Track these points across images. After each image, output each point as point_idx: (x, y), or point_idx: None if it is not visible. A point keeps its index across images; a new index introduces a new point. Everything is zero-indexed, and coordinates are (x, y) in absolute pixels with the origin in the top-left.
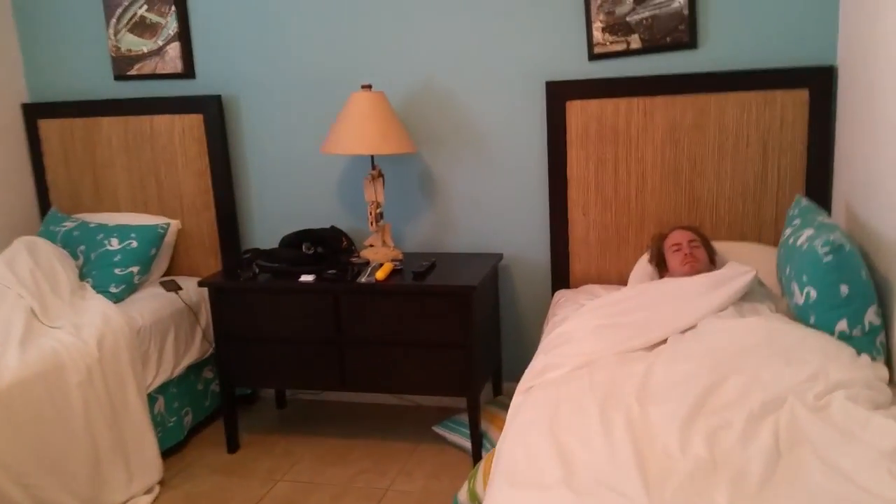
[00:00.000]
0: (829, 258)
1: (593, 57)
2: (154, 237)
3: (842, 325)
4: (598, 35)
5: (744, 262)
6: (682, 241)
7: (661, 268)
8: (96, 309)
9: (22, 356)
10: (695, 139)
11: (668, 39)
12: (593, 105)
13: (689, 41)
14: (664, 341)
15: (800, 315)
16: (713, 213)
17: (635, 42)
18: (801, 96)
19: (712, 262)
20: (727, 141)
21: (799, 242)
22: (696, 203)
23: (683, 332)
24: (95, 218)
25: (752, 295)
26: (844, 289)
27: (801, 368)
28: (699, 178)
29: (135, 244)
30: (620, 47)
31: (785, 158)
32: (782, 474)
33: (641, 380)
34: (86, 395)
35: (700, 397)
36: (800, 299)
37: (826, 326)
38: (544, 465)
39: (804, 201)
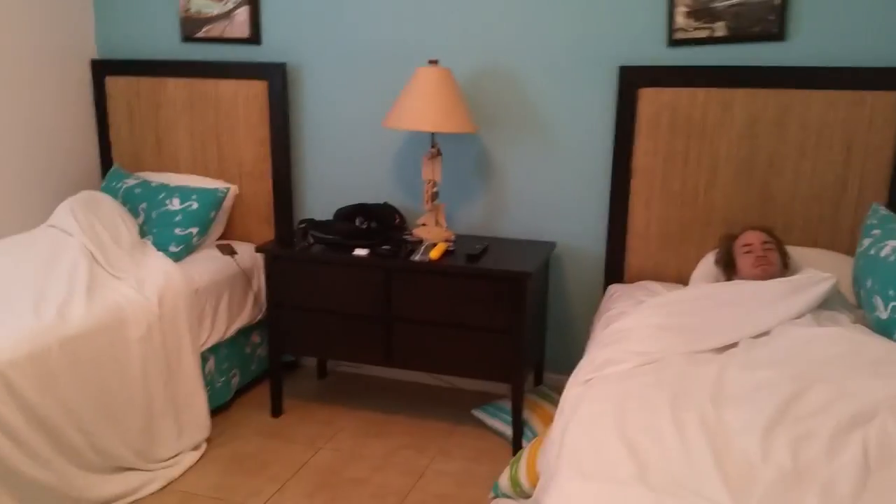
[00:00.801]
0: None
1: (673, 43)
2: (214, 200)
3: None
4: (680, 20)
5: (816, 270)
6: (754, 241)
7: (729, 270)
8: (158, 266)
9: (88, 306)
10: (774, 136)
11: (755, 29)
12: (668, 94)
13: (777, 32)
14: (734, 345)
15: (882, 330)
16: (786, 215)
17: (720, 30)
18: (893, 98)
19: (785, 267)
20: (809, 140)
21: (883, 254)
22: (769, 203)
23: (756, 337)
24: (156, 177)
25: (829, 303)
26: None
27: (890, 382)
28: (775, 177)
29: (195, 206)
30: (704, 34)
31: (870, 163)
32: (874, 491)
33: (714, 382)
34: (144, 350)
35: (782, 404)
36: (883, 313)
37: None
38: (615, 460)
39: (882, 210)
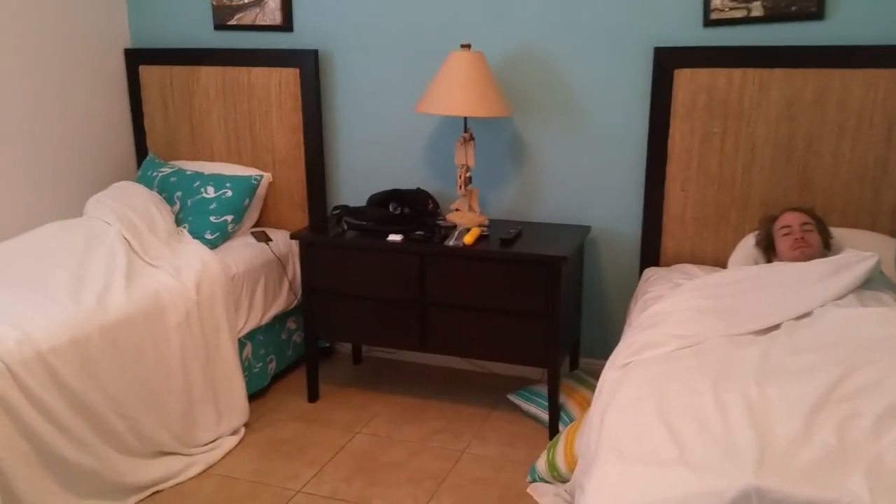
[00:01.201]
0: None
1: (709, 23)
2: (248, 188)
3: None
4: (716, 0)
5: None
6: (793, 223)
7: (769, 252)
8: (194, 253)
9: (127, 293)
10: (813, 117)
11: (793, 9)
12: (704, 74)
13: (815, 11)
14: (775, 327)
15: None
16: (826, 196)
17: (757, 9)
18: None
19: (827, 248)
20: (849, 121)
21: None
22: (808, 184)
23: (798, 318)
24: (191, 166)
25: (872, 283)
26: None
27: None
28: (814, 158)
29: (230, 193)
30: (740, 14)
31: None
32: None
33: (758, 364)
34: (183, 337)
35: (828, 386)
36: None
37: None
38: (656, 442)
39: None
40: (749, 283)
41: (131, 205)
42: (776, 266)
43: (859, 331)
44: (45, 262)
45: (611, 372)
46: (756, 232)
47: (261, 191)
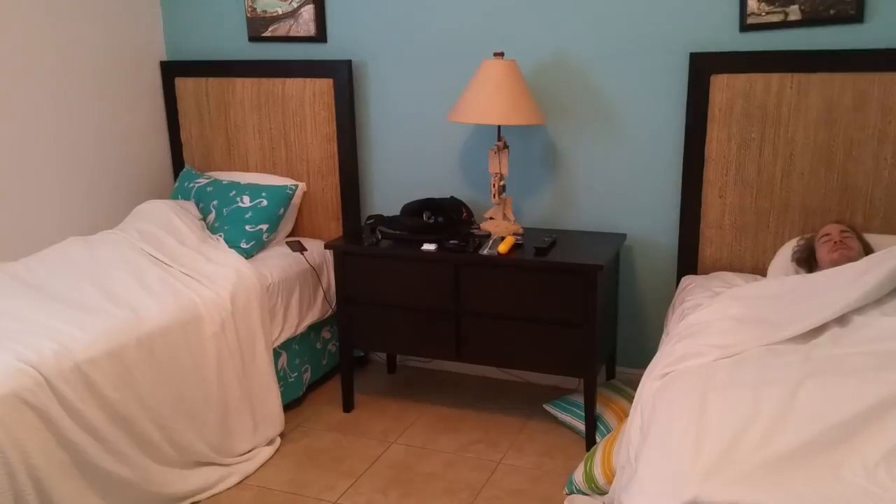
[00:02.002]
0: None
1: (745, 28)
2: (283, 197)
3: None
4: (752, 4)
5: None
6: (832, 231)
7: (810, 264)
8: (230, 263)
9: (162, 304)
10: (853, 121)
11: (831, 12)
12: (741, 80)
13: (854, 14)
14: (817, 334)
15: None
16: (867, 202)
17: (794, 13)
18: None
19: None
20: (890, 125)
21: None
22: (849, 190)
23: (842, 326)
24: (227, 176)
25: None
26: None
27: None
28: (854, 163)
29: (265, 203)
30: (777, 18)
31: None
32: None
33: (799, 370)
34: (219, 347)
35: (871, 398)
36: None
37: None
38: (695, 454)
39: None
40: (788, 290)
41: (154, 220)
42: (815, 274)
43: None
44: (72, 276)
45: (649, 383)
46: (798, 238)
47: (295, 200)
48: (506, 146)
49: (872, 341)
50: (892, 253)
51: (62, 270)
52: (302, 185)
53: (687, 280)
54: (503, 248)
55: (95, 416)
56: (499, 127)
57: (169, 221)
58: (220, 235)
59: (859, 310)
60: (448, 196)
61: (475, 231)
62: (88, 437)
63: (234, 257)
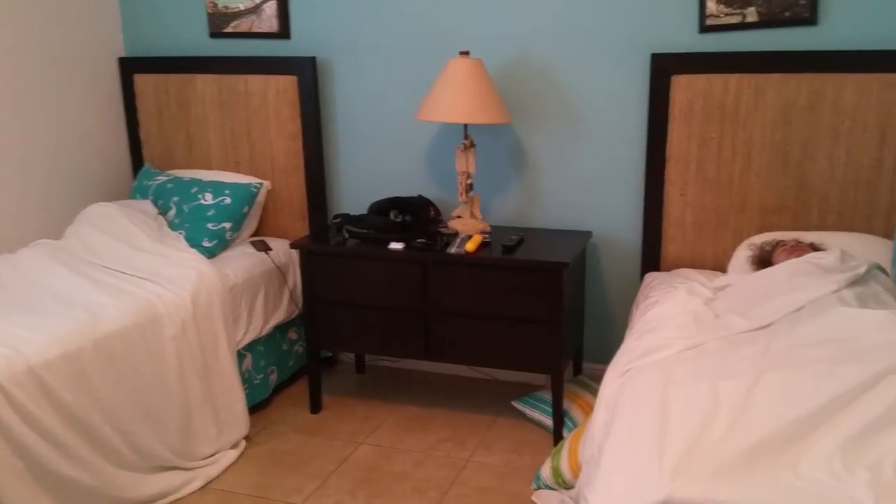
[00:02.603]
0: None
1: (704, 29)
2: (247, 195)
3: None
4: (711, 6)
5: (854, 254)
6: (787, 239)
7: (765, 265)
8: (190, 263)
9: (119, 306)
10: (808, 121)
11: (786, 14)
12: (701, 80)
13: (809, 17)
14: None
15: None
16: (822, 199)
17: (752, 15)
18: None
19: None
20: (843, 124)
21: None
22: (805, 187)
23: (798, 310)
24: (188, 175)
25: (873, 282)
26: None
27: None
28: (809, 161)
29: (228, 200)
30: (735, 20)
31: None
32: None
33: (759, 359)
34: (180, 349)
35: (829, 389)
36: None
37: None
38: (660, 451)
39: None
40: (745, 283)
41: (103, 227)
42: (770, 268)
43: (858, 331)
44: (25, 283)
45: (612, 378)
46: (749, 245)
47: (260, 199)
48: (472, 145)
49: (828, 330)
50: (853, 258)
51: (13, 279)
52: (267, 184)
53: (650, 277)
54: (471, 246)
55: (51, 420)
56: (465, 126)
57: (120, 226)
58: (181, 233)
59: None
60: (415, 194)
61: (443, 230)
62: (44, 443)
63: (194, 257)
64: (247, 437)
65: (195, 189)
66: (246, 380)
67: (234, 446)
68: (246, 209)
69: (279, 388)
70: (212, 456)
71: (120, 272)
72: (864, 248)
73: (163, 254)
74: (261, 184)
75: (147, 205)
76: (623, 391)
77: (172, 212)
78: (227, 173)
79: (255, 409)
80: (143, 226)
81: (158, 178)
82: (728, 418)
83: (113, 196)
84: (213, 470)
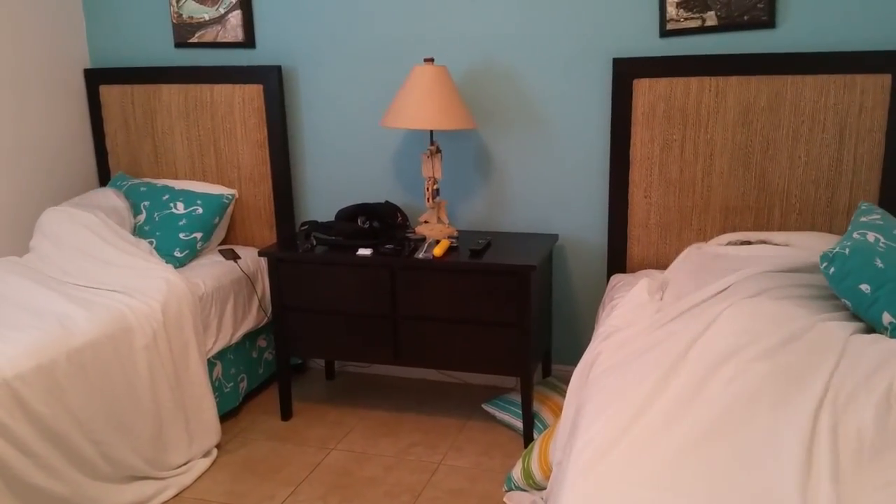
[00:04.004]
0: (831, 270)
1: (665, 34)
2: (219, 206)
3: (887, 318)
4: (671, 10)
5: (815, 252)
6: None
7: None
8: (160, 274)
9: (90, 317)
10: (768, 122)
11: (745, 18)
12: (662, 84)
13: (767, 20)
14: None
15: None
16: (783, 199)
17: (711, 19)
18: (883, 81)
19: None
20: (802, 125)
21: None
22: (766, 188)
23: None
24: (160, 182)
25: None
26: (866, 287)
27: None
28: (770, 162)
29: (200, 211)
30: (695, 24)
31: (862, 146)
32: None
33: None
34: (151, 359)
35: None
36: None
37: (877, 325)
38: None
39: (864, 206)
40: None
41: (65, 243)
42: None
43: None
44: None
45: (577, 381)
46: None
47: (230, 208)
48: (438, 150)
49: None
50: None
51: None
52: (234, 193)
53: (616, 278)
54: (438, 251)
55: (25, 432)
56: (431, 132)
57: (81, 239)
58: (152, 241)
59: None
60: (383, 201)
61: (410, 235)
62: (17, 453)
63: (163, 268)
64: (218, 446)
65: (167, 196)
66: (217, 388)
67: (207, 455)
68: (217, 220)
69: (250, 396)
70: (184, 465)
71: (90, 287)
72: (826, 248)
73: (131, 265)
74: (232, 195)
75: (108, 195)
76: (587, 392)
77: (142, 217)
78: (195, 182)
79: (226, 417)
80: (102, 230)
81: (133, 181)
82: (667, 415)
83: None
84: (185, 478)
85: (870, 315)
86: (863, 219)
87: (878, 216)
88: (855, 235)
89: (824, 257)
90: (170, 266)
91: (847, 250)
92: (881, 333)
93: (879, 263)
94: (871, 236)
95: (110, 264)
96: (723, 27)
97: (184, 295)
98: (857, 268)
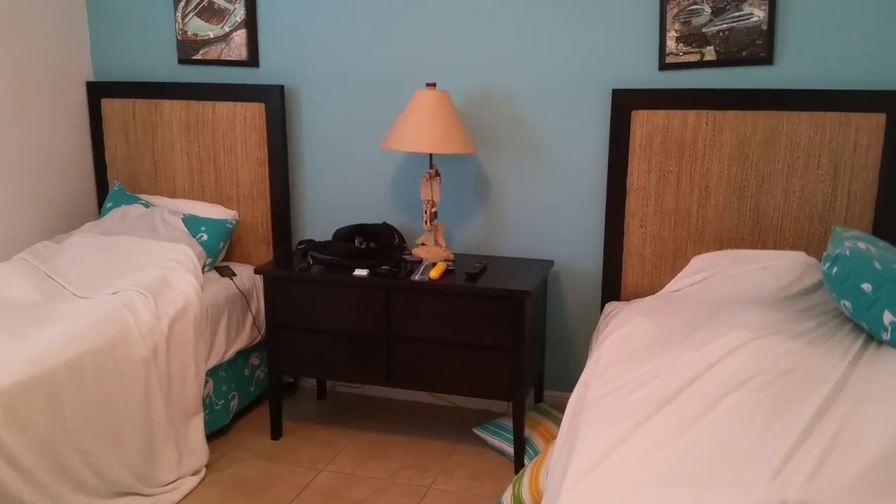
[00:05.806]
0: (834, 270)
1: (664, 66)
2: (223, 232)
3: (888, 317)
4: (671, 45)
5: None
6: None
7: None
8: (183, 288)
9: (94, 326)
10: (764, 156)
11: (743, 53)
12: (660, 116)
13: (765, 56)
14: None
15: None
16: (778, 232)
17: (710, 54)
18: (878, 120)
19: None
20: (797, 161)
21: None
22: (761, 221)
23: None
24: (156, 201)
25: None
26: (867, 287)
27: None
28: (765, 195)
29: (206, 237)
30: (694, 58)
31: (856, 182)
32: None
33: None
34: (148, 372)
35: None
36: (847, 313)
37: (877, 325)
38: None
39: (838, 228)
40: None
41: (68, 256)
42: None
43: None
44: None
45: (573, 408)
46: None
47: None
48: (437, 174)
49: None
50: None
51: None
52: (236, 216)
53: (610, 306)
54: (434, 273)
55: (16, 443)
56: (431, 155)
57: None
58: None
59: None
60: (380, 222)
61: (407, 257)
62: (8, 467)
63: (190, 276)
64: (207, 465)
65: None
66: (207, 405)
67: (195, 473)
68: (222, 245)
69: (240, 414)
70: (173, 482)
71: (108, 283)
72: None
73: (165, 265)
74: (236, 220)
75: (135, 210)
76: (582, 421)
77: None
78: (196, 203)
79: (215, 435)
80: (156, 220)
81: (133, 203)
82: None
83: (78, 219)
84: (173, 496)
85: (870, 315)
86: (844, 234)
87: (857, 232)
88: (846, 244)
89: (826, 258)
90: (197, 281)
91: (847, 252)
92: (881, 334)
93: (877, 265)
94: (861, 244)
95: (147, 256)
96: (721, 62)
97: (196, 314)
98: (858, 268)
